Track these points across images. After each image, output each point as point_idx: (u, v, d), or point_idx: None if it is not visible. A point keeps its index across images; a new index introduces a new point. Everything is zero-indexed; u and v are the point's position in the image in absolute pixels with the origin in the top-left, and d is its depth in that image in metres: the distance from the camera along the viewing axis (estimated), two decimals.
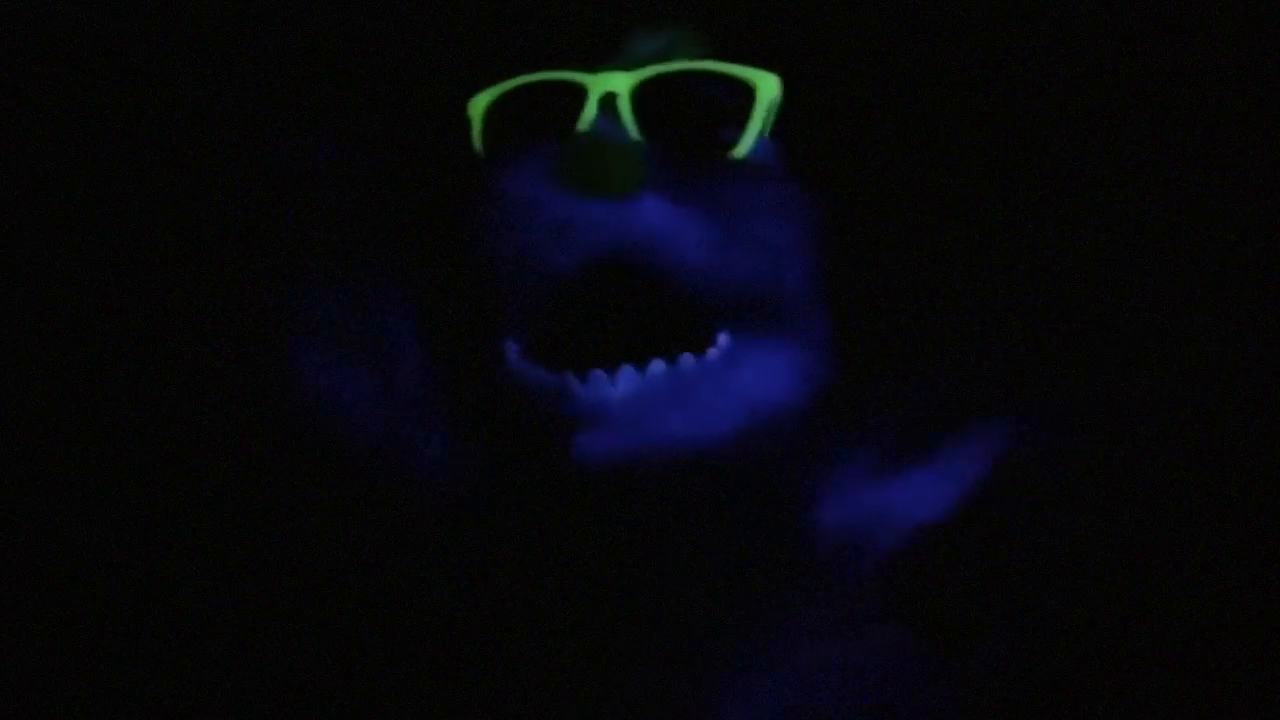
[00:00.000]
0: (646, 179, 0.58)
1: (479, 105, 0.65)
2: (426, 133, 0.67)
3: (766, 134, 0.64)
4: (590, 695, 0.58)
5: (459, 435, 0.62)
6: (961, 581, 0.61)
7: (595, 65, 0.64)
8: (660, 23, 0.65)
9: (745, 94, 0.64)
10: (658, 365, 0.58)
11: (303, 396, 0.62)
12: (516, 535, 0.61)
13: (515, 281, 0.59)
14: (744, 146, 0.63)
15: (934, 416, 0.62)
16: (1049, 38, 0.65)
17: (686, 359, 0.59)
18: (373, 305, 0.64)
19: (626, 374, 0.58)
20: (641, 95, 0.62)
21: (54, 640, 0.62)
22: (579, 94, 0.63)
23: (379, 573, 0.62)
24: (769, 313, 0.61)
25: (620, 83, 0.62)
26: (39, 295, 0.66)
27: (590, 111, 0.62)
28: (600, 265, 0.58)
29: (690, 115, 0.63)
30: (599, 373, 0.58)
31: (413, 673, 0.60)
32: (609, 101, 0.62)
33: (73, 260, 0.66)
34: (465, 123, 0.66)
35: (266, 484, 0.63)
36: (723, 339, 0.60)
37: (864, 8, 0.66)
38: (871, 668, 0.59)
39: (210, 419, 0.64)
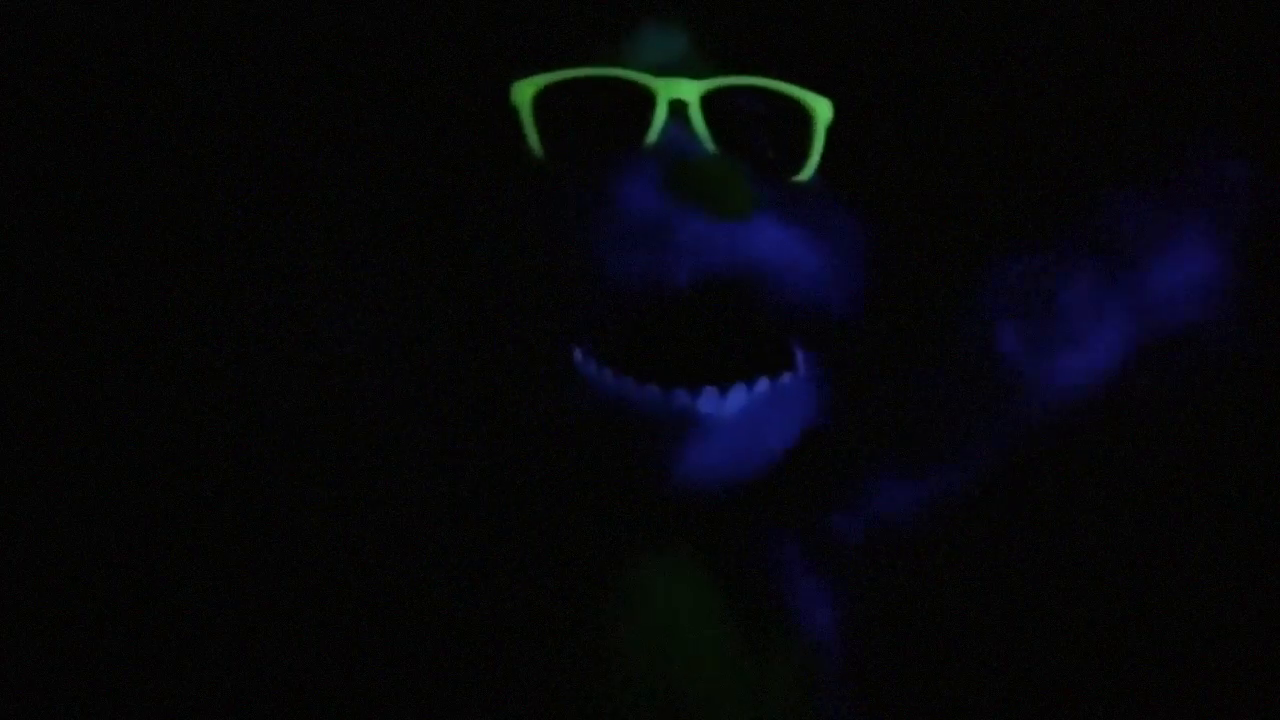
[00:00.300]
0: (758, 201, 0.59)
1: (525, 94, 0.63)
2: (465, 120, 0.65)
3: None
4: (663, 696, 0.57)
5: (520, 444, 0.61)
6: (959, 581, 0.63)
7: (654, 68, 0.63)
8: (707, 30, 0.65)
9: (799, 116, 0.65)
10: (763, 383, 0.59)
11: (331, 398, 0.61)
12: (591, 542, 0.61)
13: (599, 290, 0.58)
14: (809, 169, 0.65)
15: (960, 419, 0.64)
16: (1075, 49, 0.67)
17: (786, 377, 0.60)
18: (408, 302, 0.62)
19: (738, 391, 0.58)
20: (707, 106, 0.62)
21: (54, 640, 0.60)
22: (641, 96, 0.62)
23: (419, 582, 0.60)
24: (835, 329, 0.62)
25: (689, 90, 0.62)
26: (35, 295, 0.63)
27: (660, 118, 0.61)
28: (709, 283, 0.58)
29: (751, 133, 0.64)
30: (712, 389, 0.58)
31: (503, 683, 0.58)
32: (678, 109, 0.62)
33: (74, 260, 0.64)
34: (506, 110, 0.63)
35: (294, 485, 0.61)
36: (800, 354, 0.61)
37: (898, 32, 0.68)
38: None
39: (234, 418, 0.61)
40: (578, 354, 0.59)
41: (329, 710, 0.59)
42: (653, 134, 0.61)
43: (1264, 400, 0.65)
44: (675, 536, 0.61)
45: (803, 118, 0.65)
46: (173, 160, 0.63)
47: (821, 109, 0.65)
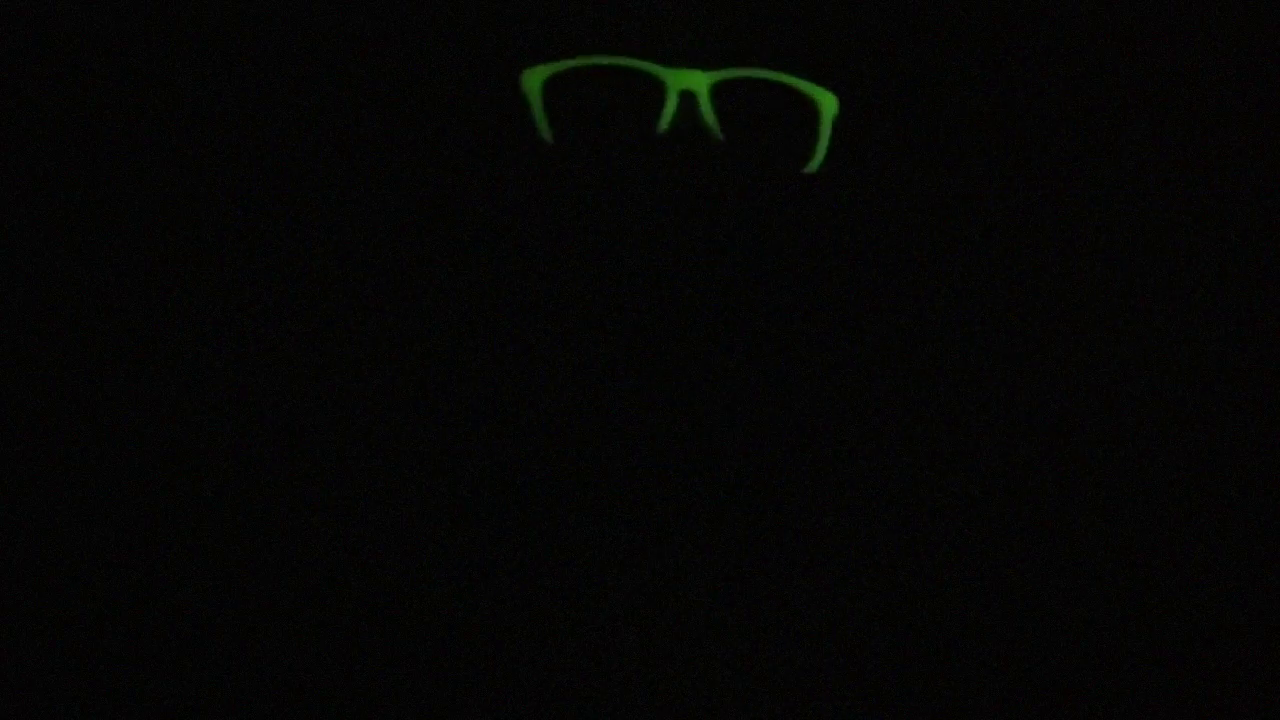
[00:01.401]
0: (761, 189, 0.59)
1: (534, 81, 0.63)
2: (475, 107, 0.65)
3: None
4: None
5: (524, 438, 0.61)
6: (959, 578, 0.63)
7: (666, 58, 0.63)
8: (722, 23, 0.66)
9: (806, 109, 0.65)
10: (769, 373, 0.60)
11: (334, 388, 0.60)
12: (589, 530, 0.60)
13: (608, 276, 0.58)
14: (816, 161, 0.65)
15: (952, 406, 0.64)
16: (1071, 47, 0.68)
17: (781, 360, 0.60)
18: (421, 291, 0.62)
19: (745, 382, 0.59)
20: (715, 97, 0.62)
21: (54, 640, 0.59)
22: (651, 85, 0.62)
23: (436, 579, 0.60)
24: (832, 313, 0.62)
25: (699, 81, 0.62)
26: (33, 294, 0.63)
27: (670, 108, 0.62)
28: (713, 268, 0.58)
29: (758, 125, 0.64)
30: (720, 380, 0.59)
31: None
32: (687, 99, 0.62)
33: (75, 260, 0.63)
34: (515, 98, 0.64)
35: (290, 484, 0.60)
36: (797, 337, 0.61)
37: (904, 27, 0.68)
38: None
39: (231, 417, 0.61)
40: (588, 338, 0.59)
41: (329, 709, 0.59)
42: (663, 123, 0.62)
43: (1259, 403, 0.65)
44: (677, 533, 0.61)
45: (810, 110, 0.65)
46: (185, 153, 0.63)
47: (828, 103, 0.65)
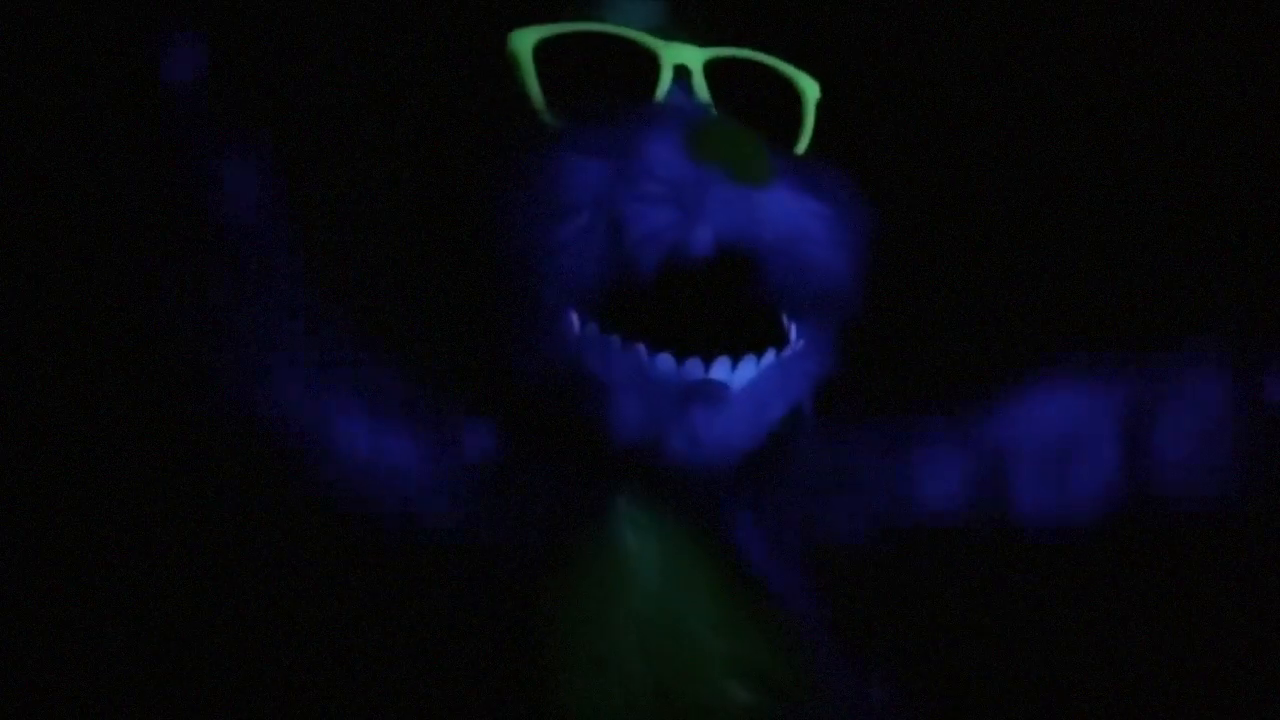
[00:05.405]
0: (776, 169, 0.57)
1: (525, 43, 0.61)
2: (463, 72, 0.63)
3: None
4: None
5: (524, 415, 0.59)
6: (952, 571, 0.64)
7: (659, 30, 0.62)
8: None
9: (790, 93, 0.65)
10: (770, 354, 0.58)
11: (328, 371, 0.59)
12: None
13: (612, 253, 0.56)
14: (803, 144, 0.65)
15: (944, 402, 0.65)
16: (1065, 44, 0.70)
17: (789, 349, 0.59)
18: (411, 268, 0.61)
19: (748, 362, 0.58)
20: (710, 74, 0.62)
21: (54, 641, 0.58)
22: (644, 57, 0.61)
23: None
24: (827, 306, 0.61)
25: (693, 57, 0.62)
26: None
27: (665, 82, 0.61)
28: (724, 250, 0.56)
29: (748, 105, 0.63)
30: (725, 359, 0.57)
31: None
32: (681, 74, 0.61)
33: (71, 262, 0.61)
34: (502, 60, 0.62)
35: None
36: (794, 328, 0.60)
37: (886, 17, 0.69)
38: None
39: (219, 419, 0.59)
40: (588, 323, 0.57)
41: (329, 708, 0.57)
42: (658, 96, 0.61)
43: None
44: (676, 509, 0.60)
45: (793, 94, 0.66)
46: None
47: (810, 89, 0.66)
